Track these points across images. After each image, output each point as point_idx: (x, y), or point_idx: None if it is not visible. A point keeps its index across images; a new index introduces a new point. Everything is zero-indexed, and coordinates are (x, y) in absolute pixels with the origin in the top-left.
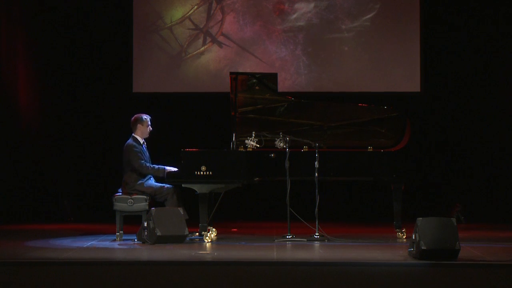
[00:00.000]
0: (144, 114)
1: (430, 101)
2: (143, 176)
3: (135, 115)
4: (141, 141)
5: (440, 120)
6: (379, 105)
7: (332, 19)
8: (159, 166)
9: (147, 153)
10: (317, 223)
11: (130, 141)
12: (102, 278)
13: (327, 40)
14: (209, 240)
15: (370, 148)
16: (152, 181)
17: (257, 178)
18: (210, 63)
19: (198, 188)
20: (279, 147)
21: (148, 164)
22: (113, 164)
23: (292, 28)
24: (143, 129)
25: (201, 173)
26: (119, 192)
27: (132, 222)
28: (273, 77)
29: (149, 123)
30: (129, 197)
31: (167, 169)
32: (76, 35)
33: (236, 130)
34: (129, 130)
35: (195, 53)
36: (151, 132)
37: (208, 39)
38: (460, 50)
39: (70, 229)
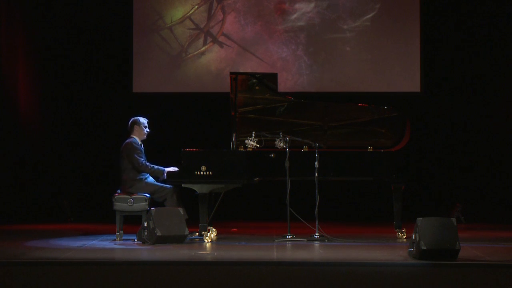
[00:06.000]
0: (141, 117)
1: (430, 101)
2: (142, 174)
3: (132, 118)
4: (139, 142)
5: (440, 120)
6: (379, 105)
7: (333, 19)
8: (158, 167)
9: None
10: (317, 223)
11: (130, 139)
12: (102, 278)
13: (328, 40)
14: (209, 240)
15: (370, 148)
16: (151, 179)
17: (257, 178)
18: (211, 63)
19: (198, 188)
20: (279, 147)
21: (147, 163)
22: (113, 164)
23: (293, 28)
24: (140, 131)
25: (201, 173)
26: (119, 193)
27: (132, 222)
28: (273, 77)
29: (146, 125)
30: (129, 197)
31: (166, 171)
32: (76, 35)
33: (236, 130)
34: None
35: (195, 53)
36: (148, 134)
37: (209, 39)
38: (460, 50)
39: (70, 229)
